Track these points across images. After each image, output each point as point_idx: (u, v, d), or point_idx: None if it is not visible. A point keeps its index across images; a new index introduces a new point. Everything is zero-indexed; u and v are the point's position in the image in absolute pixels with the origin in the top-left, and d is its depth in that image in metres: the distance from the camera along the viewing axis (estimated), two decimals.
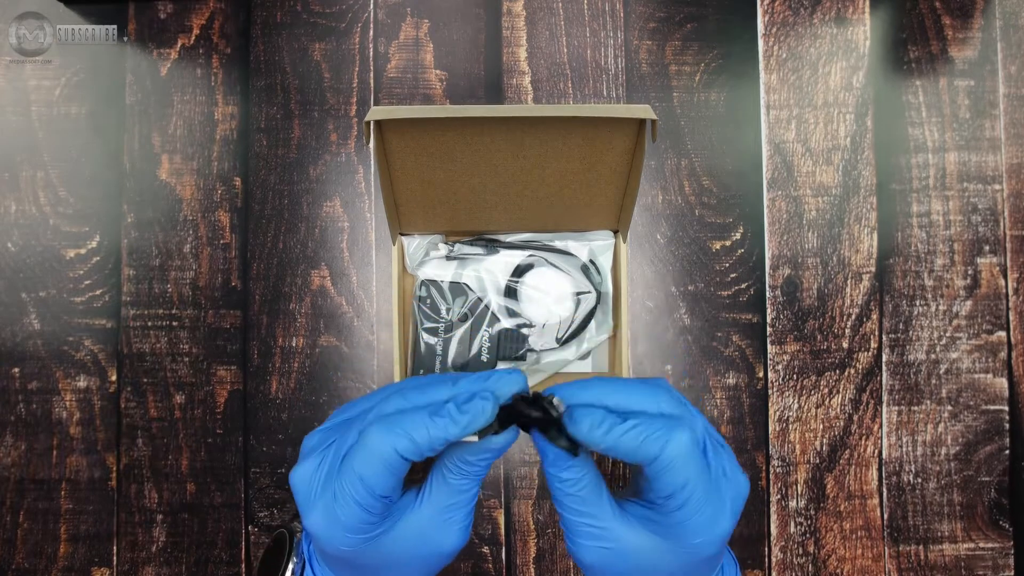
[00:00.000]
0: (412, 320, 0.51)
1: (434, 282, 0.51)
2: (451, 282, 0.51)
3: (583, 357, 0.52)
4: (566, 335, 0.51)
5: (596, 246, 0.52)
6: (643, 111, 0.36)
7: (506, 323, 0.51)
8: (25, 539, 0.55)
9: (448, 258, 0.51)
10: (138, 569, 0.54)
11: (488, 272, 0.51)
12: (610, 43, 0.57)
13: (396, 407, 0.27)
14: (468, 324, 0.51)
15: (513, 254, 0.51)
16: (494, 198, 0.47)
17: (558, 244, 0.52)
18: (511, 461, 0.55)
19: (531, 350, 0.51)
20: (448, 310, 0.51)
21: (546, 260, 0.51)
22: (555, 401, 0.27)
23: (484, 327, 0.50)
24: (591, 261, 0.52)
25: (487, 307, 0.51)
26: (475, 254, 0.51)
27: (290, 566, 0.33)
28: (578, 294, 0.51)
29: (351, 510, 0.27)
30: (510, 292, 0.51)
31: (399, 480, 0.27)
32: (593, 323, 0.51)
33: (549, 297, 0.51)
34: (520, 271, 0.51)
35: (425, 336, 0.51)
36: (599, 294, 0.51)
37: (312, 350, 0.55)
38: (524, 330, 0.51)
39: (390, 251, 0.55)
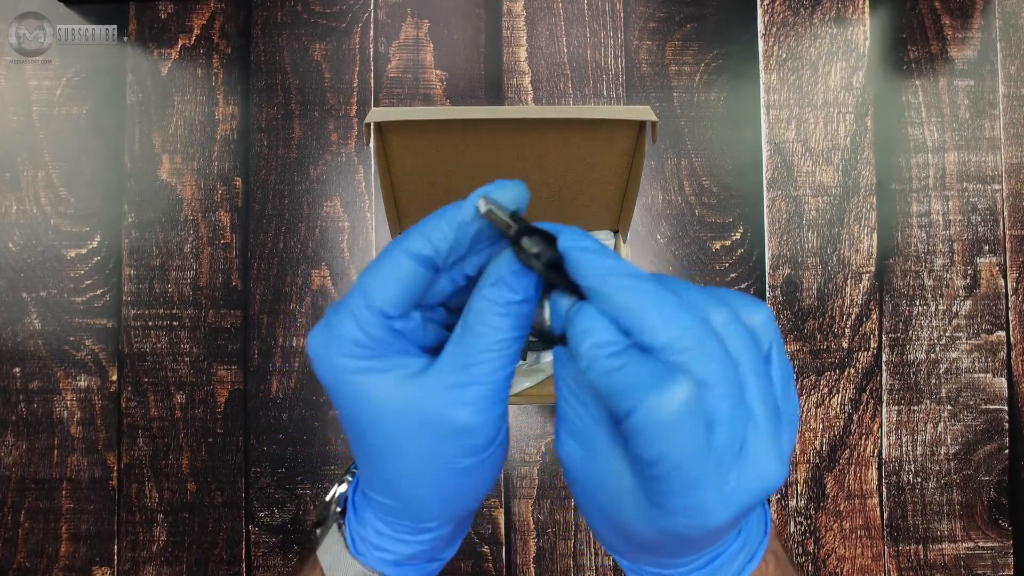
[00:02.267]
0: None
1: None
2: None
3: None
4: None
5: None
6: (643, 112, 0.36)
7: None
8: (26, 538, 0.55)
9: None
10: (139, 568, 0.55)
11: None
12: (610, 43, 0.57)
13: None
14: None
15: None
16: None
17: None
18: (511, 461, 0.55)
19: (531, 349, 0.51)
20: None
21: None
22: (535, 249, 0.22)
23: None
24: None
25: None
26: None
27: (343, 487, 0.30)
28: None
29: (345, 323, 0.22)
30: None
31: (406, 295, 0.22)
32: None
33: None
34: None
35: None
36: None
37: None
38: None
39: None
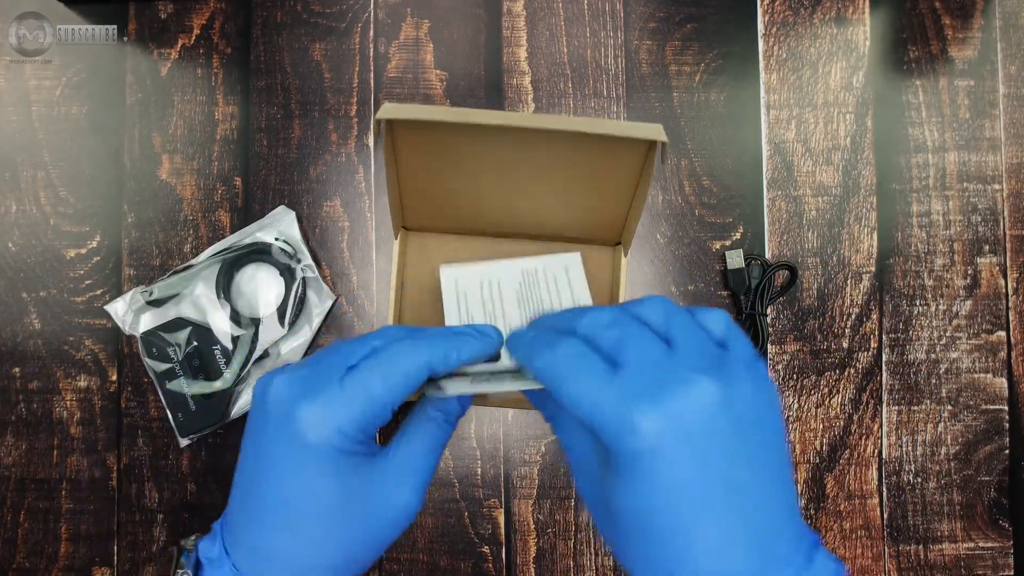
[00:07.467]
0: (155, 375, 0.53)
1: (153, 332, 0.53)
2: (167, 322, 0.52)
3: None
4: (289, 318, 0.53)
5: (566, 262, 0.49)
6: (654, 131, 0.35)
7: (234, 331, 0.52)
8: (26, 538, 0.55)
9: (150, 303, 0.53)
10: (139, 568, 0.54)
11: (200, 295, 0.53)
12: (610, 43, 0.57)
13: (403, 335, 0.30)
14: (195, 349, 0.52)
15: (212, 269, 0.53)
16: (499, 201, 0.47)
17: (247, 240, 0.54)
18: (511, 461, 0.55)
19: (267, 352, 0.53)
20: (176, 349, 0.52)
21: (245, 259, 0.53)
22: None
23: (214, 345, 0.53)
24: (276, 238, 0.53)
25: (208, 328, 0.52)
26: (175, 288, 0.53)
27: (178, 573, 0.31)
28: (282, 273, 0.53)
29: (357, 408, 0.26)
30: (226, 298, 0.53)
31: (403, 399, 0.28)
32: (311, 293, 0.54)
33: (261, 288, 0.53)
34: (226, 279, 0.53)
35: (172, 386, 0.52)
36: (302, 268, 0.53)
37: (312, 350, 0.55)
38: (247, 330, 0.53)
39: (390, 251, 0.55)
